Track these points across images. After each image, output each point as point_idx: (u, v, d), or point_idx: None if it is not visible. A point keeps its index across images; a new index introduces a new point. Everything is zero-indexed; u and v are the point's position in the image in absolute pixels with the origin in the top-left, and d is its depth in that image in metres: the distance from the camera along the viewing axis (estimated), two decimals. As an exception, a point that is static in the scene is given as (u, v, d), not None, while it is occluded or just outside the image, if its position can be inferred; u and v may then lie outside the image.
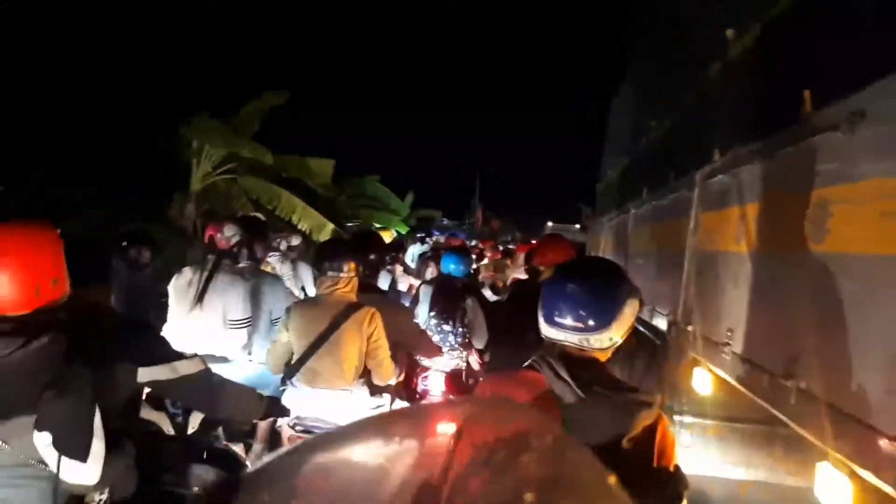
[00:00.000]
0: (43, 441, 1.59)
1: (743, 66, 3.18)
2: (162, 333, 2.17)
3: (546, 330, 1.75)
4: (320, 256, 3.38)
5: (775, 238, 2.49)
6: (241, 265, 3.71)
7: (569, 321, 1.68)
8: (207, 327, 3.44)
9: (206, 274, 3.45)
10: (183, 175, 11.19)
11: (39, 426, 1.59)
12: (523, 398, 1.68)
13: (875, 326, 1.75)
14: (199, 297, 3.41)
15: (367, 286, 3.68)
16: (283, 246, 5.74)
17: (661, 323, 4.39)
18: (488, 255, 10.87)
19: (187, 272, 3.56)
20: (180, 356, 2.10)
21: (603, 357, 1.74)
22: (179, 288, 3.51)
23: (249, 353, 3.69)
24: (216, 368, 3.39)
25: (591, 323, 1.66)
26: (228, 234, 3.60)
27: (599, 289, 1.72)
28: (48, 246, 1.70)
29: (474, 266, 11.03)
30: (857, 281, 1.85)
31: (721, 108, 3.42)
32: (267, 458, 0.87)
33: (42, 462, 1.63)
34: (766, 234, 2.60)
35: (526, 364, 1.76)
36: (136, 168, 10.71)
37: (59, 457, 1.60)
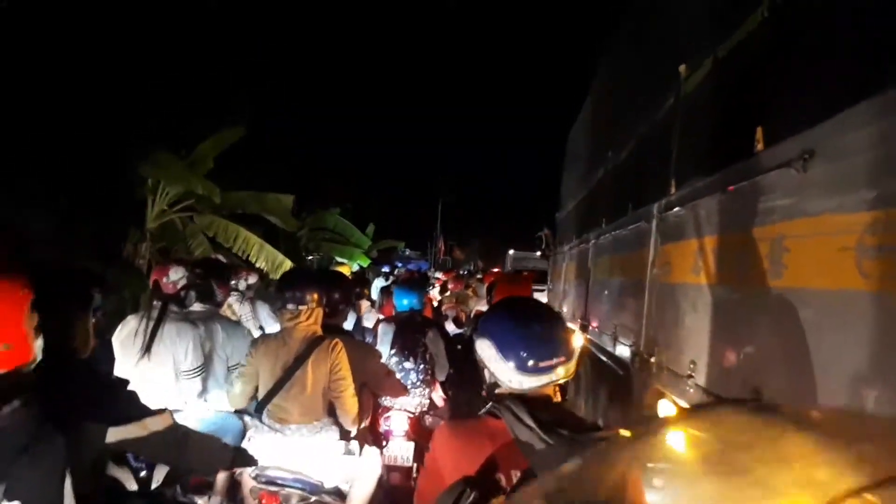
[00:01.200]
0: None
1: (696, 100, 3.24)
2: (130, 387, 2.05)
3: (521, 381, 1.69)
4: (281, 287, 3.30)
5: (734, 272, 2.51)
6: (191, 310, 3.58)
7: (551, 361, 1.66)
8: (158, 379, 3.30)
9: (151, 323, 3.31)
10: (139, 212, 10.93)
11: (9, 495, 1.49)
12: (487, 449, 1.63)
13: (834, 360, 1.76)
14: (147, 349, 3.27)
15: (331, 328, 3.61)
16: (242, 285, 5.65)
17: (625, 353, 4.40)
18: (451, 286, 10.83)
19: (131, 321, 3.41)
20: (149, 412, 2.00)
21: (553, 394, 1.75)
22: (124, 339, 3.36)
23: (206, 401, 3.55)
24: (171, 418, 3.30)
25: (567, 352, 1.68)
26: (175, 278, 3.45)
27: (556, 318, 1.78)
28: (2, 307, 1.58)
29: (439, 298, 10.98)
30: (815, 315, 1.86)
31: (676, 141, 3.48)
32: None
33: None
34: (724, 268, 2.62)
35: (485, 410, 1.72)
36: (90, 204, 10.44)
37: None
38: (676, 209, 3.30)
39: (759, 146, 2.29)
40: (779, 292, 2.06)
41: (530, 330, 1.70)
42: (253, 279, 5.93)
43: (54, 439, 1.58)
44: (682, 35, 3.65)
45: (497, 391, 1.76)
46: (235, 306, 5.30)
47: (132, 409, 1.98)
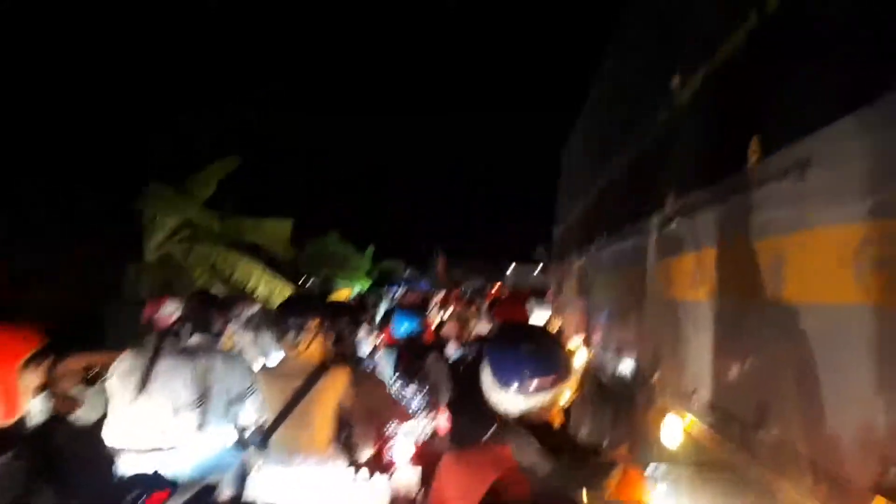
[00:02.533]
0: None
1: (690, 112, 3.23)
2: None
3: (513, 403, 1.69)
4: (281, 315, 3.25)
5: (733, 286, 2.48)
6: (188, 343, 3.54)
7: (540, 381, 1.65)
8: (155, 416, 3.25)
9: (147, 359, 3.26)
10: (137, 246, 10.95)
11: None
12: (491, 476, 1.62)
13: (836, 374, 1.73)
14: (143, 385, 3.22)
15: (337, 355, 3.59)
16: (244, 315, 5.64)
17: (628, 369, 4.35)
18: (453, 305, 10.76)
19: (128, 358, 3.36)
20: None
21: (557, 418, 1.73)
22: (121, 376, 3.31)
23: (205, 437, 3.50)
24: (170, 457, 3.24)
25: (560, 374, 1.67)
26: (168, 311, 3.42)
27: (549, 340, 1.79)
28: None
29: (443, 318, 10.90)
30: (817, 329, 1.83)
31: (672, 154, 3.46)
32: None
33: None
34: (724, 282, 2.59)
35: (488, 436, 1.71)
36: (87, 239, 10.44)
37: None
38: (674, 223, 3.27)
39: (755, 157, 2.27)
40: (780, 306, 2.03)
41: (518, 352, 1.70)
42: (254, 308, 5.91)
43: (45, 492, 1.55)
44: (674, 47, 3.65)
45: (501, 417, 1.75)
46: (238, 337, 5.27)
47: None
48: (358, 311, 6.49)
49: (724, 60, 2.71)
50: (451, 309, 10.56)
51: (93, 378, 2.57)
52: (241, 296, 7.22)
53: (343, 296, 8.70)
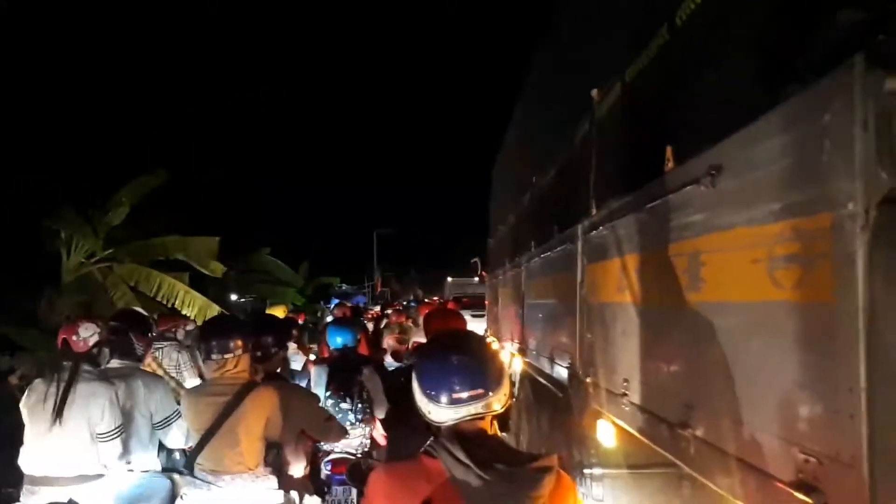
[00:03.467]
0: None
1: (609, 123, 3.33)
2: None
3: (441, 414, 1.66)
4: (204, 338, 3.17)
5: (656, 288, 2.55)
6: (108, 367, 3.38)
7: (470, 392, 1.63)
8: (73, 444, 3.08)
9: (62, 385, 3.09)
10: (53, 267, 10.43)
11: None
12: (423, 491, 1.59)
13: (756, 372, 1.80)
14: (58, 413, 3.05)
15: (266, 374, 3.51)
16: (180, 334, 5.47)
17: (562, 374, 4.42)
18: (392, 317, 10.69)
19: (39, 386, 3.17)
20: None
21: (489, 427, 1.70)
22: (33, 405, 3.12)
23: (129, 463, 3.34)
24: (91, 487, 3.09)
25: (491, 383, 1.64)
26: (85, 335, 3.24)
27: (481, 349, 1.76)
28: None
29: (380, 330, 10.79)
30: (735, 328, 1.90)
31: (594, 163, 3.55)
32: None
33: None
34: (647, 285, 2.66)
35: (422, 450, 1.68)
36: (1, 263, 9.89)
37: None
38: (599, 229, 3.35)
39: (670, 164, 2.35)
40: (699, 306, 2.10)
41: (446, 362, 1.68)
42: (190, 326, 5.75)
43: None
44: (593, 61, 3.76)
45: (433, 429, 1.72)
46: (174, 354, 5.14)
47: None
48: (286, 327, 6.36)
49: (638, 72, 2.81)
50: (390, 322, 10.49)
51: None
52: (176, 314, 6.99)
53: (279, 313, 8.52)
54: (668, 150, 2.34)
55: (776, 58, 1.79)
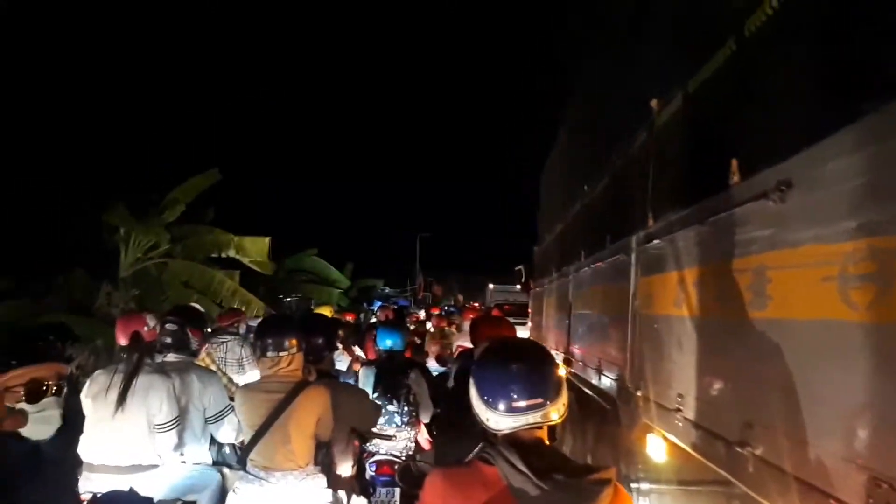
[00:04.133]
0: None
1: (669, 134, 3.28)
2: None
3: (500, 421, 1.66)
4: (260, 335, 3.24)
5: (717, 303, 2.51)
6: (165, 360, 3.49)
7: (529, 401, 1.63)
8: (132, 434, 3.19)
9: (125, 374, 3.21)
10: (112, 262, 10.79)
11: None
12: (480, 497, 1.59)
13: (821, 392, 1.75)
14: (120, 402, 3.16)
15: (319, 373, 3.57)
16: (242, 329, 5.64)
17: (611, 387, 4.37)
18: (433, 323, 10.72)
19: (100, 376, 3.29)
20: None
21: (546, 437, 1.69)
22: (96, 394, 3.24)
23: (182, 455, 3.43)
24: (146, 477, 3.18)
25: (550, 393, 1.63)
26: (152, 324, 3.39)
27: (540, 358, 1.75)
28: None
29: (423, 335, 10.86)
30: (801, 347, 1.86)
31: (651, 174, 3.51)
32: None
33: None
34: (707, 300, 2.62)
35: (475, 454, 1.68)
36: (58, 257, 10.26)
37: None
38: (655, 241, 3.31)
39: (736, 178, 2.31)
40: (764, 323, 2.05)
41: (507, 370, 1.67)
42: (253, 322, 5.92)
43: None
44: (652, 70, 3.71)
45: (488, 435, 1.72)
46: (237, 349, 5.32)
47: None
48: (336, 327, 6.45)
49: (702, 83, 2.77)
50: (432, 327, 10.53)
51: (40, 393, 2.49)
52: (236, 310, 7.22)
53: (326, 312, 8.65)
54: (734, 163, 2.30)
55: (851, 72, 1.74)
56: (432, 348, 8.83)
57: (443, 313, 12.76)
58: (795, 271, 1.87)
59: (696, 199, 2.70)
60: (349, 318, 10.49)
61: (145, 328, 3.36)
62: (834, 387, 1.69)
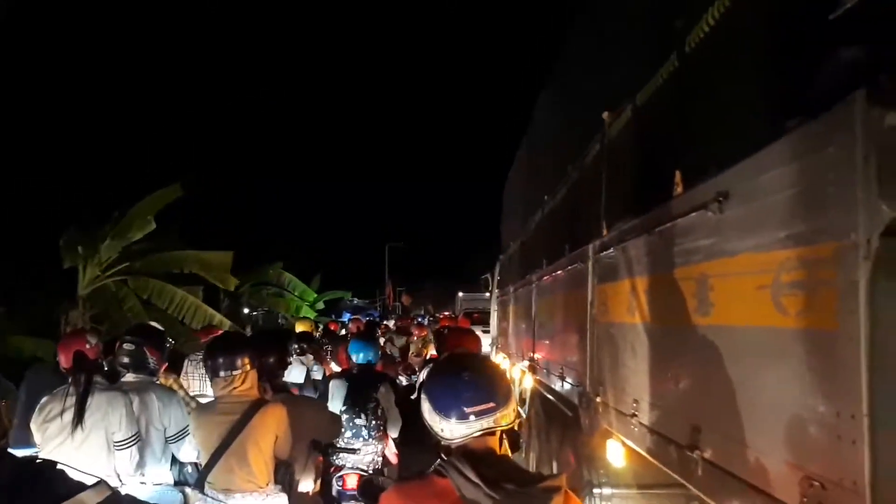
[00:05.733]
0: None
1: (620, 146, 3.37)
2: (59, 466, 1.92)
3: (453, 430, 1.70)
4: (209, 357, 3.20)
5: (665, 311, 2.58)
6: (123, 380, 3.45)
7: (479, 406, 1.68)
8: (90, 455, 3.12)
9: (78, 395, 3.13)
10: (71, 280, 10.56)
11: None
12: (434, 511, 1.62)
13: (758, 396, 1.83)
14: (77, 423, 3.08)
15: (276, 387, 3.56)
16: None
17: (572, 393, 4.43)
18: (416, 332, 10.65)
19: (49, 404, 3.16)
20: (82, 487, 1.88)
21: (499, 447, 1.74)
22: (49, 421, 3.14)
23: (143, 475, 3.38)
24: (106, 498, 3.13)
25: (499, 398, 1.69)
26: (93, 341, 3.35)
27: (488, 366, 1.84)
28: None
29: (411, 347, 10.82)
30: (741, 352, 1.93)
31: (605, 185, 3.59)
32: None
33: None
34: (656, 307, 2.69)
35: (432, 469, 1.71)
36: (19, 277, 10.04)
37: None
38: (609, 250, 3.38)
39: (679, 189, 2.39)
40: (707, 330, 2.12)
41: (457, 378, 1.73)
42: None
43: None
44: (605, 84, 3.81)
45: (443, 447, 1.76)
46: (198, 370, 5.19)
47: (61, 488, 1.86)
48: (301, 340, 6.42)
49: (649, 97, 2.85)
50: (415, 336, 10.45)
51: None
52: (214, 327, 7.13)
53: (305, 327, 8.62)
54: (678, 174, 2.38)
55: (781, 89, 1.83)
56: (413, 359, 8.96)
57: (416, 323, 12.73)
58: (734, 279, 1.95)
59: (645, 210, 2.78)
60: (333, 327, 10.43)
61: (87, 346, 3.29)
62: (769, 391, 1.77)
